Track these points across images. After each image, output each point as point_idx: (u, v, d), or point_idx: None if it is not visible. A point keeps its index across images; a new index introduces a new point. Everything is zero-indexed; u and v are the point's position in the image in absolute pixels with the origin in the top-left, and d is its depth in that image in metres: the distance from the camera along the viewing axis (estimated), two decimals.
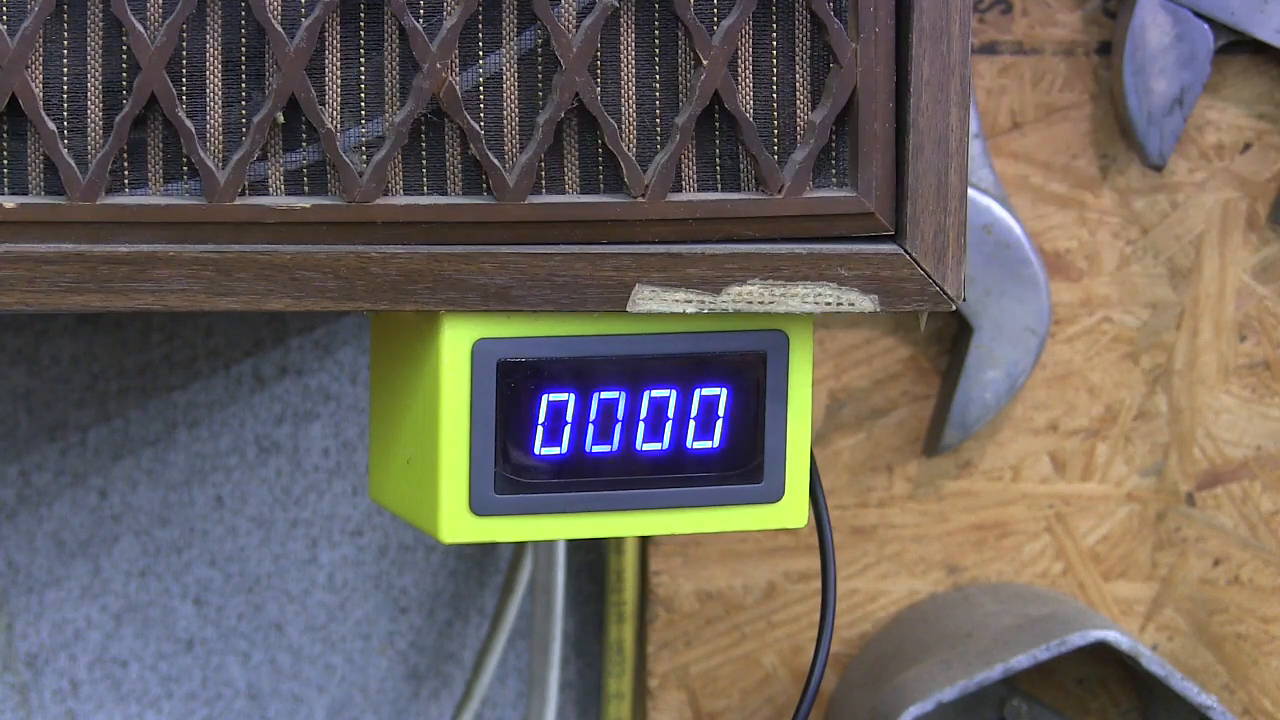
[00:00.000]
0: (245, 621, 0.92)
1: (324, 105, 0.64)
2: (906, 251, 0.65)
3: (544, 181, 0.64)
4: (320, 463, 0.92)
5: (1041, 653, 0.83)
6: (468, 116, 0.64)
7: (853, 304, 0.66)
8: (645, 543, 0.92)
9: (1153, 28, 0.87)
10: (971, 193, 0.84)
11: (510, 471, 0.67)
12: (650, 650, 0.91)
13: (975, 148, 0.88)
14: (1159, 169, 0.89)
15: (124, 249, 0.62)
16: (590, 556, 0.95)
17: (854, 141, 0.65)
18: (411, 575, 0.94)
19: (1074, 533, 0.93)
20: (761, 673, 0.91)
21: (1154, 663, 0.84)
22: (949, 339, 0.90)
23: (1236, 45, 0.87)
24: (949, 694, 0.83)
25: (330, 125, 0.63)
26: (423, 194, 0.64)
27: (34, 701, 0.91)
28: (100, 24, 0.63)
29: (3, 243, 0.63)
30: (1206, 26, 0.87)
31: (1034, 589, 0.93)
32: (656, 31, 0.65)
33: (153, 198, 0.62)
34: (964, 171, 0.66)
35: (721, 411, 0.68)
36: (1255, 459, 0.92)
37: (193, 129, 0.62)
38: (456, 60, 0.63)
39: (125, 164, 0.64)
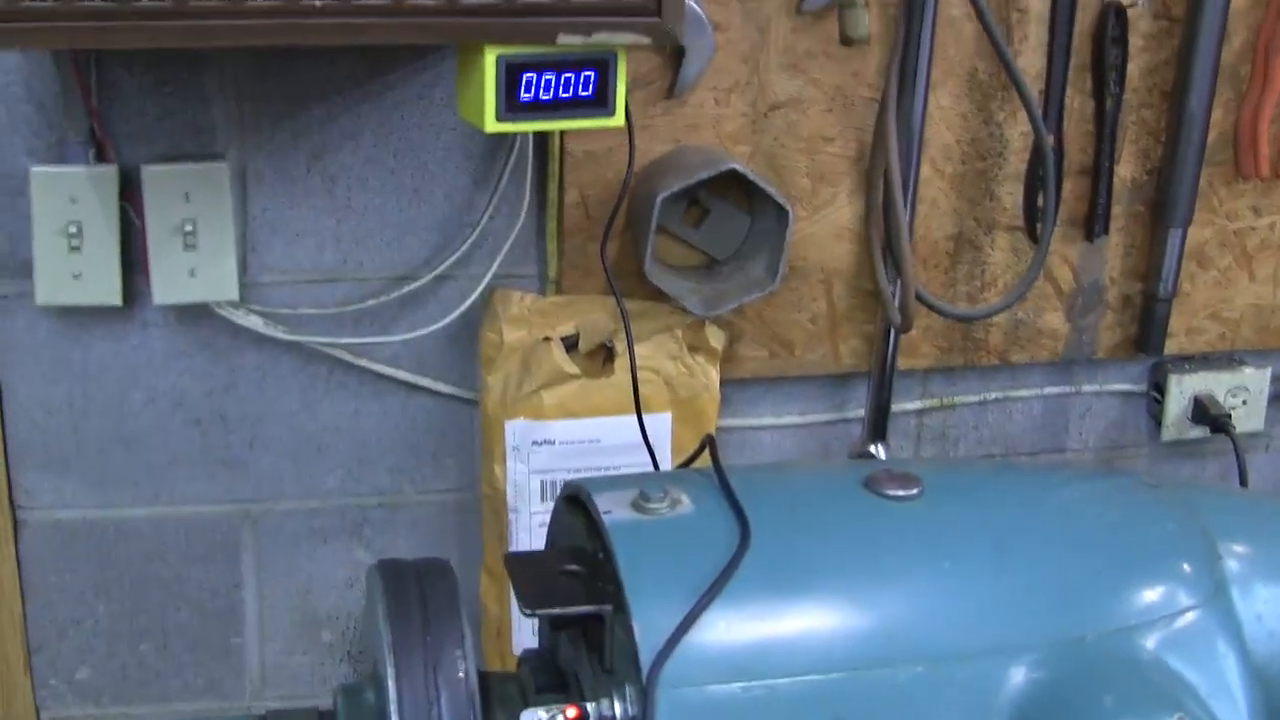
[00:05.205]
0: (381, 196, 1.30)
1: None
2: (662, 19, 1.00)
3: None
4: (439, 107, 1.32)
5: (711, 170, 1.27)
6: None
7: (641, 40, 1.01)
8: (564, 136, 1.30)
9: None
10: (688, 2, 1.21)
11: (510, 104, 1.03)
12: (565, 173, 1.33)
13: None
14: None
15: (337, 21, 0.95)
16: (543, 139, 1.31)
17: None
18: (476, 146, 1.31)
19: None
20: (604, 183, 1.33)
21: (757, 177, 1.27)
22: (674, 56, 1.28)
23: None
24: (675, 185, 1.25)
25: None
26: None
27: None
28: None
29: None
30: None
31: (708, 147, 1.33)
32: None
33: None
34: None
35: (594, 79, 1.03)
36: None
37: None
38: None
39: None
